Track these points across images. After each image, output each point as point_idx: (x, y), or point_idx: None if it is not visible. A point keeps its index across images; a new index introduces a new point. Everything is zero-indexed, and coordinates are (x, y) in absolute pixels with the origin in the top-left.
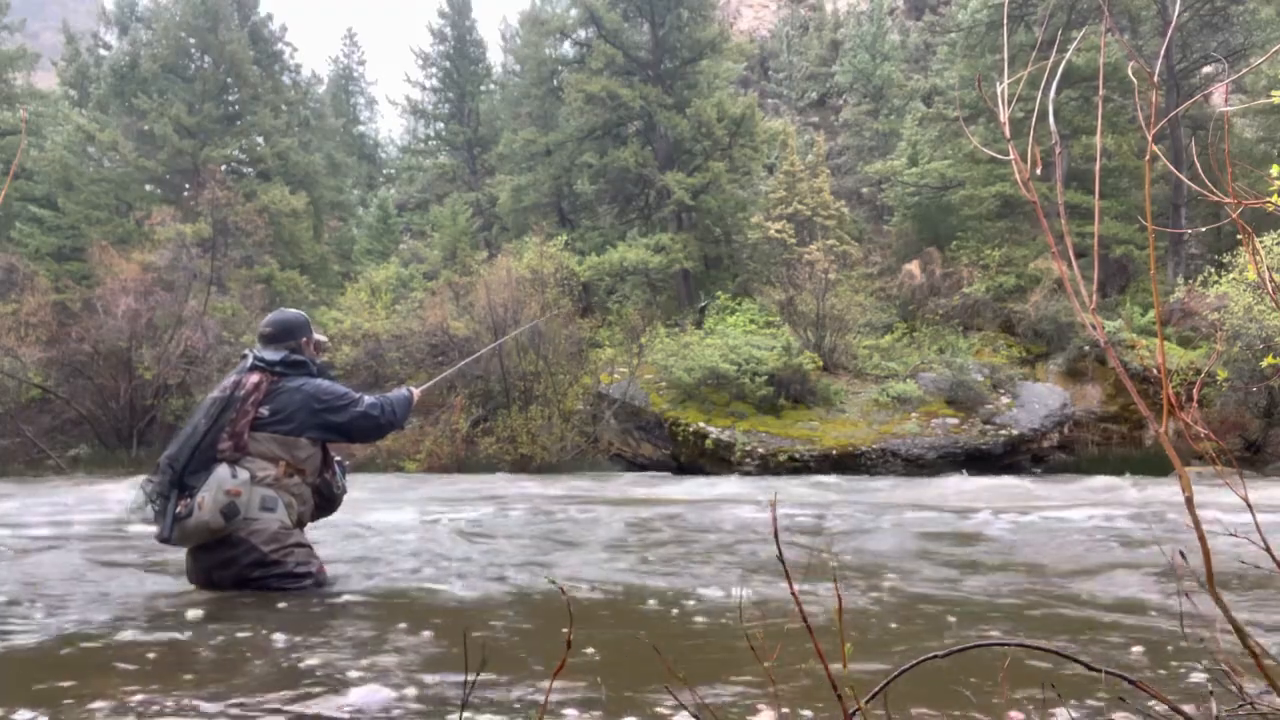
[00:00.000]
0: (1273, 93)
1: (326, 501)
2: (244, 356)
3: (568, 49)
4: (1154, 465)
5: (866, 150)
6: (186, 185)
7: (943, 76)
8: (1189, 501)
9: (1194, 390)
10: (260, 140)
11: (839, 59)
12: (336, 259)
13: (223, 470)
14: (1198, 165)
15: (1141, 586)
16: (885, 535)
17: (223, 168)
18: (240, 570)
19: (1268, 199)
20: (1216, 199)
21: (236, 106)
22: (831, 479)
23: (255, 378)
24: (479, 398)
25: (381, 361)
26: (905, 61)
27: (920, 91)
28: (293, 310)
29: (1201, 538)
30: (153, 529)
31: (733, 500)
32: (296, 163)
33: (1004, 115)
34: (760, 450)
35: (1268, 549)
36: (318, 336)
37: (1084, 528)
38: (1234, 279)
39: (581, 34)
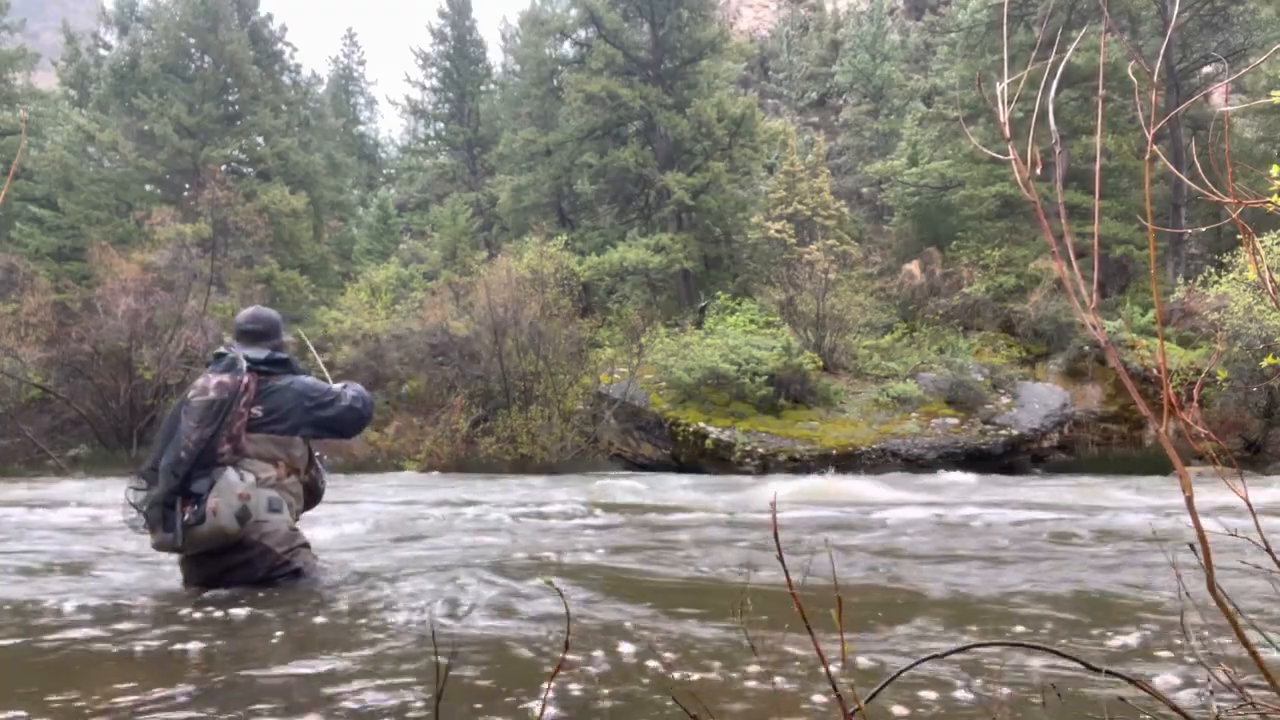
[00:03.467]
0: (1273, 93)
1: (313, 497)
2: (220, 355)
3: (568, 49)
4: (1154, 465)
5: (866, 150)
6: (186, 185)
7: (943, 76)
8: (1189, 501)
9: (1194, 390)
10: (260, 140)
11: (839, 59)
12: (336, 259)
13: (231, 474)
14: (1198, 165)
15: (1142, 586)
16: (885, 534)
17: (223, 168)
18: (255, 573)
19: (1268, 199)
20: (1216, 199)
21: (236, 106)
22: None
23: (246, 378)
24: (479, 398)
25: (381, 361)
26: (905, 61)
27: (920, 91)
28: (269, 309)
29: (1202, 537)
30: (144, 537)
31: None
32: (296, 163)
33: (1004, 115)
34: (760, 450)
35: (1268, 549)
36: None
37: (1083, 527)
38: (1234, 279)
39: (581, 34)
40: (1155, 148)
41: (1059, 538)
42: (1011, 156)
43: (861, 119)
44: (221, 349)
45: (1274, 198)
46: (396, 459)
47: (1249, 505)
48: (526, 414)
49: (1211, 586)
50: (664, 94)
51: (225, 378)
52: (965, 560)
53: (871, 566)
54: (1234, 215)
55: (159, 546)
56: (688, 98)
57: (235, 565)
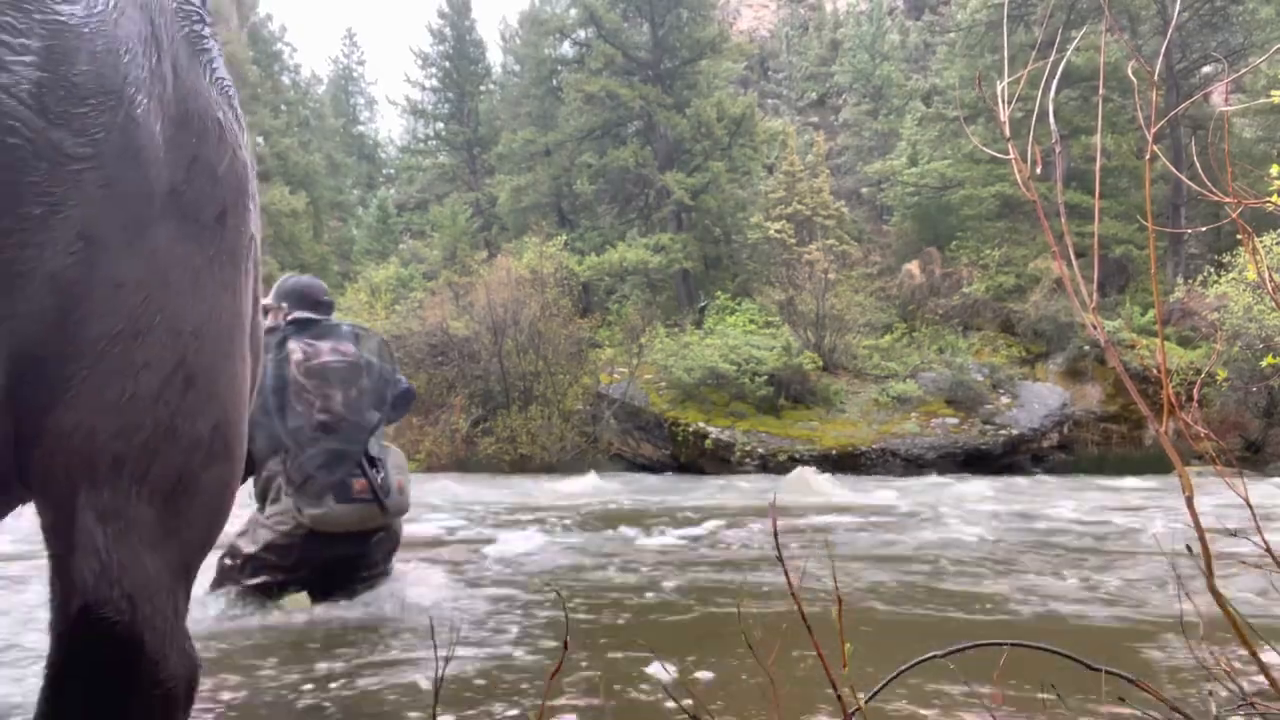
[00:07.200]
0: (1272, 93)
1: None
2: (312, 321)
3: (567, 49)
4: (1154, 465)
5: (866, 150)
6: None
7: (942, 76)
8: (1189, 501)
9: (1194, 390)
10: (260, 140)
11: (839, 59)
12: (336, 259)
13: (395, 448)
14: (1197, 165)
15: (1141, 586)
16: (885, 534)
17: None
18: (376, 559)
19: (1268, 199)
20: (1216, 199)
21: None
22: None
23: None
24: (479, 398)
25: None
26: (905, 61)
27: (920, 91)
28: None
29: (1202, 537)
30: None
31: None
32: (296, 163)
33: (1004, 115)
34: (760, 450)
35: (1268, 549)
36: None
37: (1084, 527)
38: (1234, 279)
39: (581, 34)
40: (1155, 148)
41: (1055, 539)
42: (1011, 156)
43: (861, 119)
44: (306, 315)
45: (1274, 198)
46: None
47: (1249, 505)
48: (526, 414)
49: (1212, 586)
50: (664, 94)
51: (344, 345)
52: (962, 561)
53: (868, 568)
54: (1234, 215)
55: (329, 519)
56: (687, 98)
57: (369, 550)
